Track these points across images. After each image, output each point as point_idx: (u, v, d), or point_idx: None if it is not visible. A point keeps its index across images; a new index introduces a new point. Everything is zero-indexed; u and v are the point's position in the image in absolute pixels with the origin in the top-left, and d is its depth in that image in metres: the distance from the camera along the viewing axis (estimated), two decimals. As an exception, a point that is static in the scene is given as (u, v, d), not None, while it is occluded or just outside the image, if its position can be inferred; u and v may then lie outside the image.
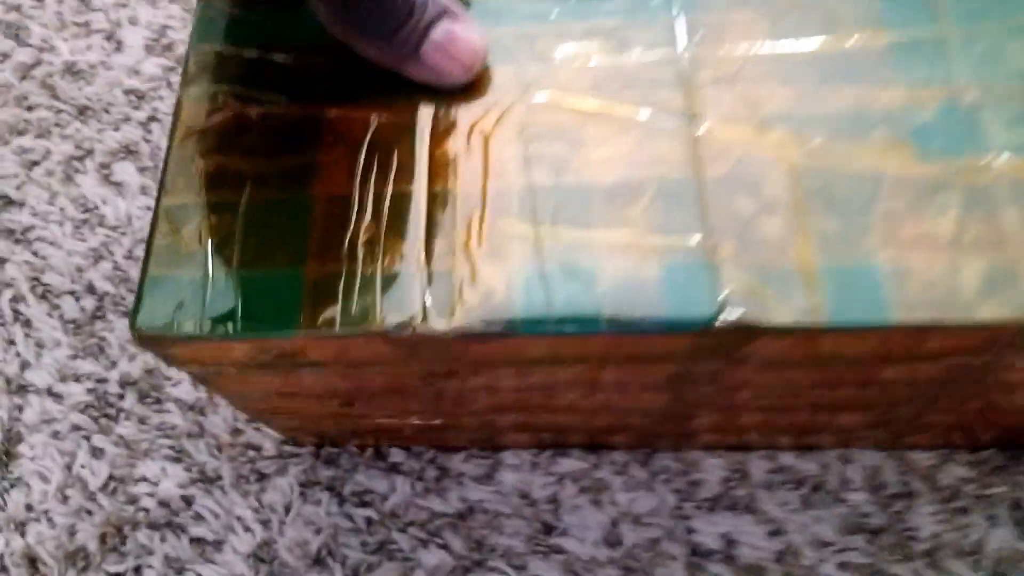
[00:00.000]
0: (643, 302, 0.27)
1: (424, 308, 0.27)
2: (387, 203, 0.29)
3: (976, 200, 0.27)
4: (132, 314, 0.28)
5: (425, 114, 0.30)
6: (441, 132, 0.30)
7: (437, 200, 0.29)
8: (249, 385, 0.33)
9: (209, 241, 0.29)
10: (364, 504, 0.43)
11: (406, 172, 0.29)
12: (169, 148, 0.31)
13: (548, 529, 0.42)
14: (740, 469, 0.42)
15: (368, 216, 0.28)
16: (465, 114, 0.30)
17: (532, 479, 0.43)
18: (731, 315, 0.26)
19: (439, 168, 0.29)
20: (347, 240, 0.28)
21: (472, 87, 0.31)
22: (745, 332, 0.26)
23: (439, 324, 0.27)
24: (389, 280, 0.28)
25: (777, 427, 0.39)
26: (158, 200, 0.30)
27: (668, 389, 0.33)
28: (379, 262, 0.28)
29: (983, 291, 0.26)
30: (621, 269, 0.27)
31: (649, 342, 0.27)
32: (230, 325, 0.28)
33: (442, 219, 0.28)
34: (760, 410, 0.36)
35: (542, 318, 0.27)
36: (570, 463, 0.43)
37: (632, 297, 0.27)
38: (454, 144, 0.30)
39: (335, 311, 0.27)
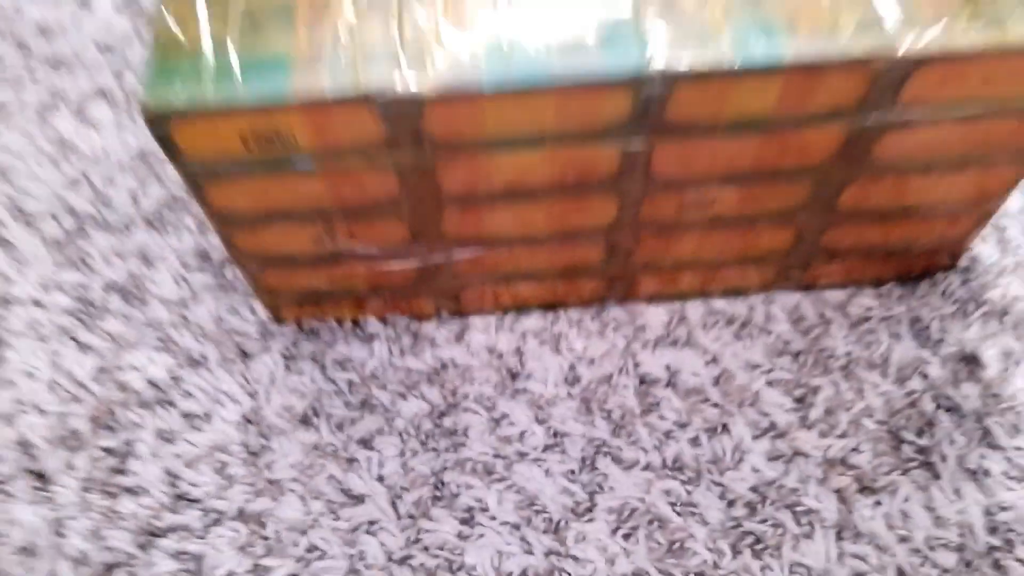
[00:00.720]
0: (583, 58, 0.32)
1: (401, 76, 0.32)
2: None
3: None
4: (142, 96, 0.32)
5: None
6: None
7: None
8: (240, 196, 0.37)
9: (208, 31, 0.33)
10: (345, 370, 0.46)
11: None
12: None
13: (514, 375, 0.46)
14: (679, 314, 0.47)
15: (349, 2, 0.34)
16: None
17: (498, 337, 0.47)
18: (656, 65, 0.32)
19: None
20: (327, 19, 0.33)
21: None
22: (670, 79, 0.32)
23: (414, 86, 0.32)
24: (369, 56, 0.32)
25: (706, 262, 0.44)
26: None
27: (608, 187, 0.38)
28: (359, 41, 0.33)
29: (856, 34, 0.32)
30: (566, 35, 0.33)
31: (591, 98, 0.33)
32: (229, 95, 0.32)
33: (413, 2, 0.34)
34: (679, 227, 0.41)
35: (502, 78, 0.32)
36: (531, 322, 0.47)
37: (574, 55, 0.32)
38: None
39: (321, 83, 0.32)
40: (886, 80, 0.33)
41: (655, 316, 0.47)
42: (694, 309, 0.47)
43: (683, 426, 0.44)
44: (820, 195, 0.40)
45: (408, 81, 0.32)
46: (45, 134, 0.55)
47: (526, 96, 0.33)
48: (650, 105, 0.33)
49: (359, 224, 0.39)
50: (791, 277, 0.47)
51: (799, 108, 0.34)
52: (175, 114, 0.32)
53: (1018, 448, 0.42)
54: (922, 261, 0.46)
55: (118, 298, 0.49)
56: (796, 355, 0.45)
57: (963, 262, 0.48)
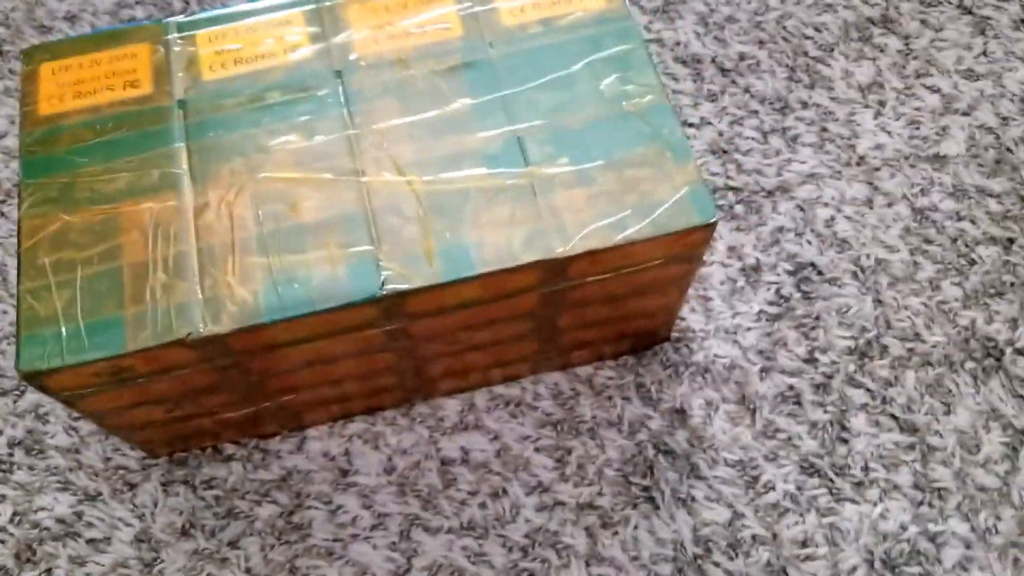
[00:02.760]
0: (337, 291, 0.45)
1: (203, 320, 0.45)
2: (171, 261, 0.46)
3: (522, 194, 0.48)
4: (16, 362, 0.44)
5: (187, 197, 0.48)
6: (200, 207, 0.48)
7: (204, 253, 0.46)
8: (105, 402, 0.49)
9: (58, 306, 0.45)
10: (211, 487, 0.59)
11: (181, 238, 0.47)
12: (19, 253, 0.47)
13: (344, 473, 0.59)
14: (470, 402, 0.61)
15: (160, 271, 0.46)
16: (214, 193, 0.48)
17: (330, 443, 0.60)
18: (387, 287, 0.45)
19: (201, 232, 0.47)
20: (148, 289, 0.45)
21: (218, 177, 0.48)
22: (397, 296, 0.45)
23: (212, 329, 0.44)
24: (179, 309, 0.45)
25: (484, 365, 0.58)
26: (18, 286, 0.46)
27: (391, 349, 0.52)
28: (170, 298, 0.45)
29: (524, 246, 0.46)
30: (323, 274, 0.46)
31: (347, 316, 0.46)
32: (80, 355, 0.44)
33: (208, 264, 0.46)
34: (463, 353, 0.55)
35: (276, 311, 0.45)
36: (355, 426, 0.61)
37: (331, 289, 0.45)
38: (210, 214, 0.47)
39: (147, 334, 0.44)
40: (552, 269, 0.47)
41: (452, 407, 0.61)
42: (481, 396, 0.61)
43: (474, 494, 0.58)
44: (542, 324, 0.54)
45: (209, 326, 0.44)
46: (-68, 312, 0.65)
47: (299, 320, 0.45)
48: (391, 311, 0.47)
49: (196, 399, 0.52)
50: (551, 361, 0.61)
51: (499, 291, 0.48)
52: (42, 373, 0.44)
53: (716, 476, 0.58)
54: (644, 339, 0.61)
55: (22, 452, 0.60)
56: (556, 424, 0.60)
57: (678, 330, 0.63)
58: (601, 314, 0.55)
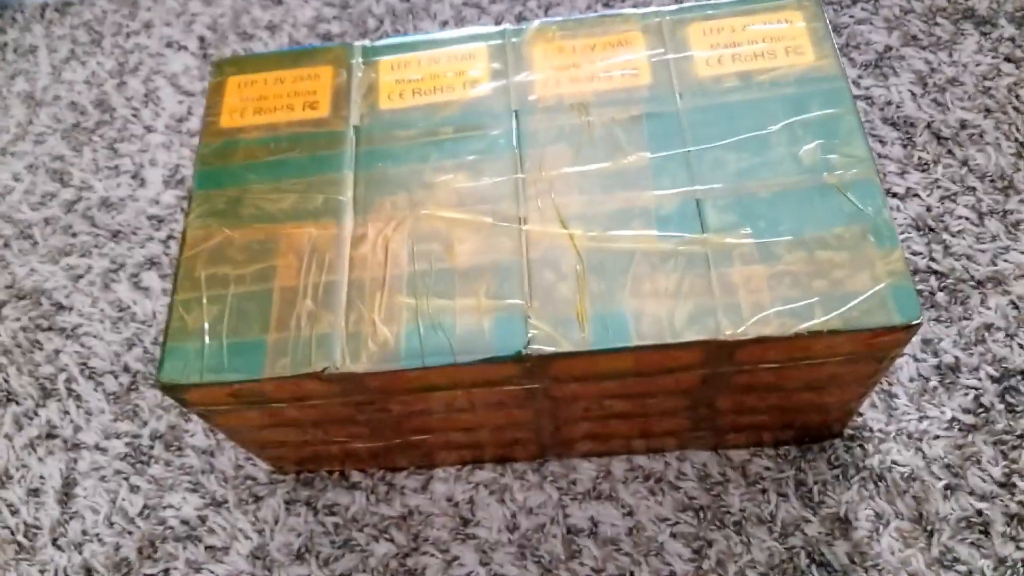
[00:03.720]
0: (480, 344, 0.42)
1: (343, 356, 0.43)
2: (321, 289, 0.45)
3: (693, 263, 0.43)
4: (157, 372, 0.44)
5: (347, 226, 0.47)
6: (357, 238, 0.46)
7: (354, 285, 0.45)
8: (239, 420, 0.48)
9: (206, 321, 0.45)
10: (332, 513, 0.58)
11: (334, 268, 0.45)
12: (179, 261, 0.47)
13: (466, 522, 0.56)
14: (606, 469, 0.57)
15: (308, 298, 0.44)
16: (374, 225, 0.47)
17: (455, 487, 0.58)
18: (531, 347, 0.42)
19: (355, 263, 0.45)
20: (294, 316, 0.44)
21: (379, 208, 0.47)
22: (542, 357, 0.42)
23: (350, 367, 0.43)
24: (320, 340, 0.43)
25: (628, 434, 0.54)
26: (172, 296, 0.46)
27: (529, 407, 0.48)
28: (314, 328, 0.44)
29: (687, 323, 0.42)
30: (468, 324, 0.43)
31: (487, 370, 0.43)
32: (217, 375, 0.43)
33: (356, 297, 0.44)
34: (607, 418, 0.51)
35: (416, 358, 0.42)
36: (484, 474, 0.58)
37: (474, 342, 0.42)
38: (366, 246, 0.46)
39: (285, 362, 0.43)
40: (718, 351, 0.42)
41: (585, 471, 0.57)
42: (619, 464, 0.57)
43: (598, 572, 0.54)
44: (698, 403, 0.49)
45: (347, 364, 0.43)
46: (107, 298, 0.68)
47: (436, 370, 0.43)
48: (534, 371, 0.43)
49: (328, 428, 0.50)
50: (701, 439, 0.56)
51: (654, 367, 0.44)
52: (181, 387, 0.44)
53: (877, 601, 0.51)
54: (812, 431, 0.55)
55: (161, 447, 0.62)
56: (698, 510, 0.55)
57: (854, 426, 0.56)
58: (767, 402, 0.49)
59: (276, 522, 0.58)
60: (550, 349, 0.42)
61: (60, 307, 0.69)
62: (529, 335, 0.42)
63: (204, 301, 0.45)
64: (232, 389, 0.44)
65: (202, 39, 0.80)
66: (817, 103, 0.47)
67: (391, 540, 0.56)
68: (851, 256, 0.42)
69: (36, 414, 0.64)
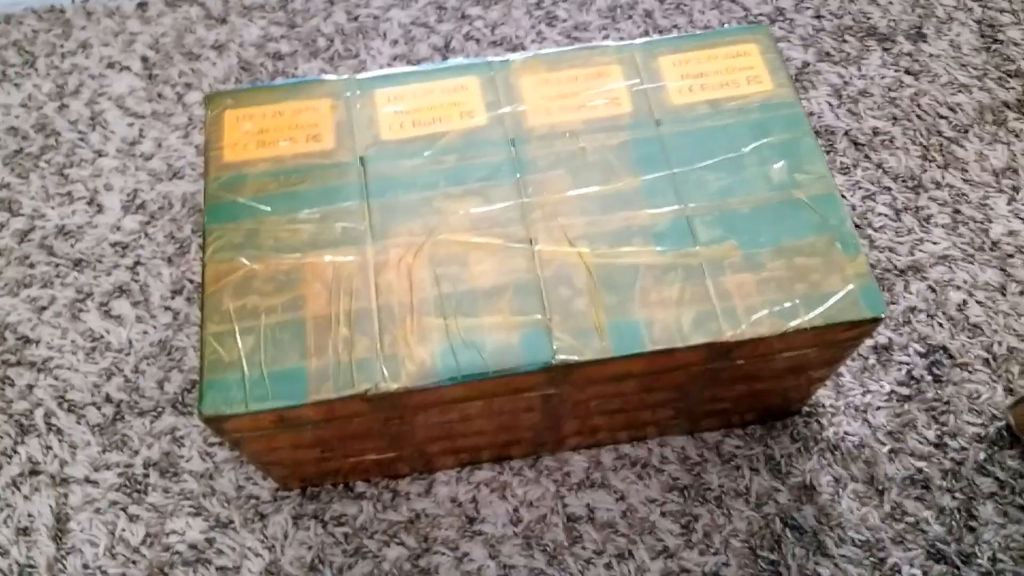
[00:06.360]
0: (511, 358, 0.46)
1: (383, 376, 0.46)
2: (353, 316, 0.47)
3: (691, 274, 0.49)
4: (198, 404, 0.46)
5: (370, 255, 0.49)
6: (380, 265, 0.49)
7: (383, 310, 0.48)
8: (268, 443, 0.50)
9: (242, 353, 0.47)
10: (341, 524, 0.60)
11: (361, 295, 0.48)
12: (202, 296, 0.49)
13: (471, 520, 0.60)
14: (596, 459, 0.62)
15: (343, 326, 0.47)
16: (394, 252, 0.50)
17: (458, 488, 0.61)
18: (559, 358, 0.46)
19: (381, 289, 0.48)
20: (330, 342, 0.47)
21: (397, 235, 0.50)
22: (568, 366, 0.46)
23: (391, 386, 0.46)
24: (360, 364, 0.46)
25: (614, 426, 0.59)
26: (202, 330, 0.48)
27: (538, 409, 0.53)
28: (352, 353, 0.46)
29: (693, 327, 0.47)
30: (497, 340, 0.47)
31: (516, 380, 0.47)
32: (263, 403, 0.45)
33: (388, 321, 0.47)
34: (599, 414, 0.56)
35: (453, 374, 0.46)
36: (483, 473, 0.62)
37: (505, 355, 0.46)
38: (389, 272, 0.49)
39: (329, 385, 0.46)
40: (719, 351, 0.48)
41: (577, 463, 0.62)
42: (607, 454, 0.62)
43: (600, 553, 0.59)
44: (687, 395, 0.55)
45: (387, 383, 0.46)
46: (77, 328, 0.67)
47: (470, 384, 0.47)
48: (558, 378, 0.48)
49: (349, 444, 0.53)
50: (679, 426, 0.62)
51: (663, 368, 0.49)
52: (226, 418, 0.45)
53: (843, 555, 0.59)
54: (776, 411, 0.62)
55: (157, 474, 0.62)
56: (683, 489, 0.61)
57: (809, 405, 0.63)
58: (745, 389, 0.56)
59: (286, 537, 0.60)
60: (575, 358, 0.46)
61: (27, 340, 0.67)
62: (555, 346, 0.47)
63: (237, 333, 0.47)
64: (276, 416, 0.46)
65: (145, 59, 0.79)
66: (779, 127, 0.53)
67: (401, 544, 0.59)
68: (823, 262, 0.49)
69: (15, 451, 0.63)
